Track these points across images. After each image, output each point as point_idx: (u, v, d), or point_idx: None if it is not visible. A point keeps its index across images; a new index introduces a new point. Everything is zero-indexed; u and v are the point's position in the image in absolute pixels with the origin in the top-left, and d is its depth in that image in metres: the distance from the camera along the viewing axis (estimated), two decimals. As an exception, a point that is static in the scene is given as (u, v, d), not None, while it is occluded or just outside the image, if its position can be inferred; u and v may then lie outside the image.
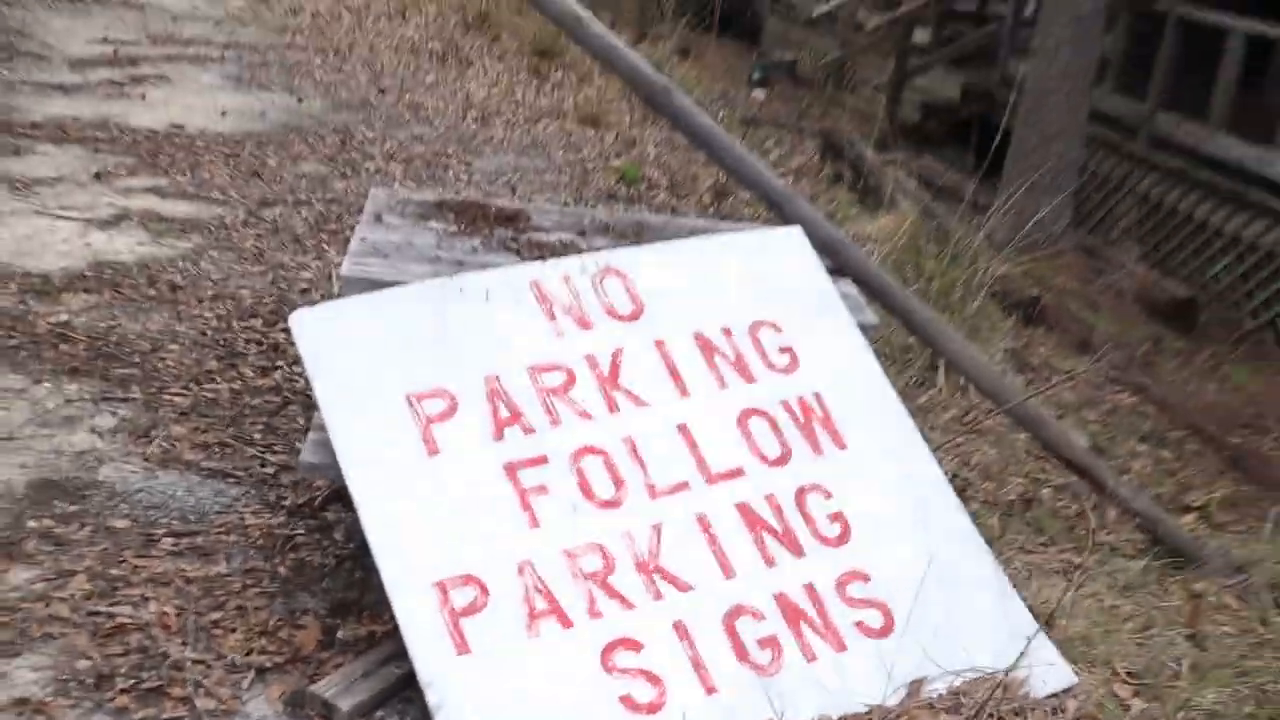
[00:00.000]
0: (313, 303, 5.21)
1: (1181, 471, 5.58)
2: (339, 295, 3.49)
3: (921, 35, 12.48)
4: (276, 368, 4.67)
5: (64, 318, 4.82)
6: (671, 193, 8.03)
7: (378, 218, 3.97)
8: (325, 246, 6.04)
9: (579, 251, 3.85)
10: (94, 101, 8.03)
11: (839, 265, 3.94)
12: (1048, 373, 6.24)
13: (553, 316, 3.37)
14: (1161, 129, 9.31)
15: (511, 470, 3.08)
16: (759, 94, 14.22)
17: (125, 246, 5.66)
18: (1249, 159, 8.54)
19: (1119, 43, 9.98)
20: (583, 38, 4.05)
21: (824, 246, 3.90)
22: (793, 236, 3.83)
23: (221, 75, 9.26)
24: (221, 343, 4.82)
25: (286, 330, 4.97)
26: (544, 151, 8.56)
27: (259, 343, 4.88)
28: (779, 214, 4.05)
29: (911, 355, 5.56)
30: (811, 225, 3.94)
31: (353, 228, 6.25)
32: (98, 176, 6.56)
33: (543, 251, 3.84)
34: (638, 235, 4.07)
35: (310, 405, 4.28)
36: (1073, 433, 4.66)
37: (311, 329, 3.18)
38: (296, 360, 4.62)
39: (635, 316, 3.45)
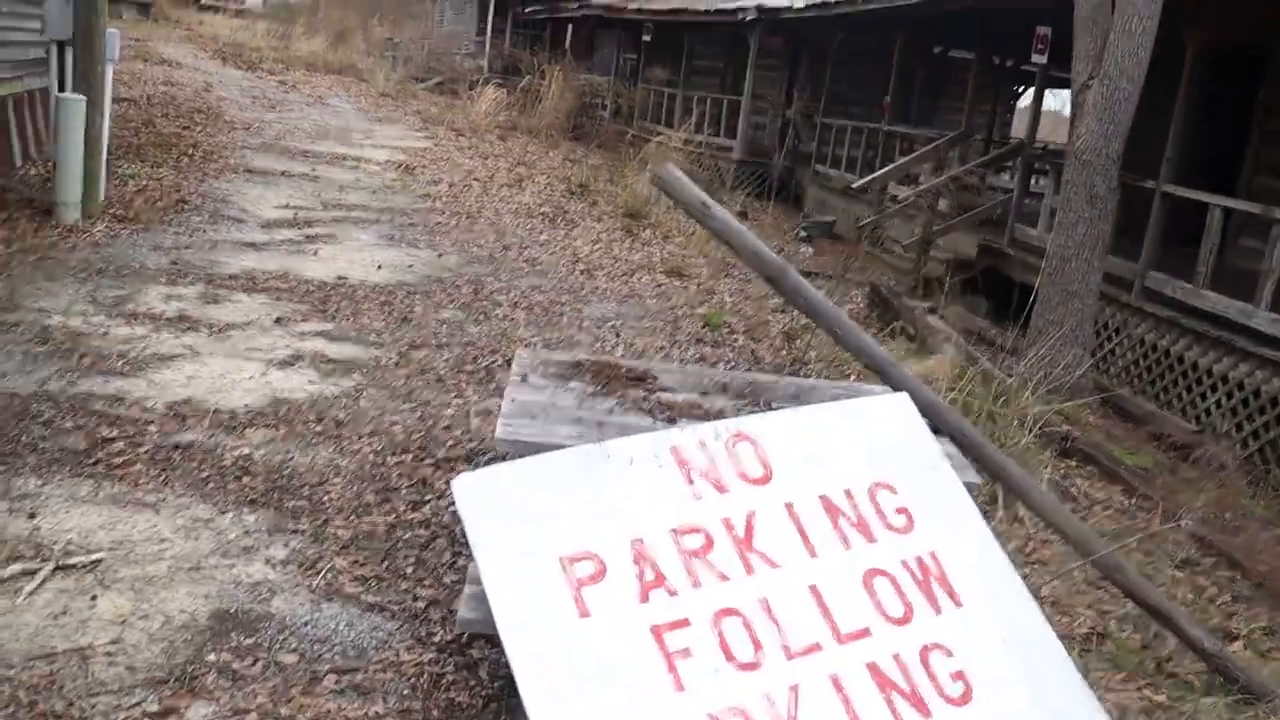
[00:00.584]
0: (455, 441, 4.79)
1: (1219, 598, 4.94)
2: (491, 456, 3.02)
3: (943, 203, 12.05)
4: (425, 502, 4.19)
5: (246, 451, 4.41)
6: (749, 336, 7.56)
7: (524, 378, 3.51)
8: (464, 386, 5.60)
9: (702, 410, 3.38)
10: (278, 256, 7.76)
11: (939, 426, 3.42)
12: (1087, 502, 5.63)
13: (691, 480, 2.88)
14: (1153, 284, 8.70)
15: (658, 633, 2.56)
16: (808, 250, 13.81)
17: (299, 384, 5.27)
18: (1232, 311, 7.91)
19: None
20: (707, 220, 3.61)
21: (925, 409, 3.39)
22: (901, 402, 3.33)
23: (377, 234, 8.99)
24: (378, 477, 4.37)
25: (434, 465, 4.54)
26: (640, 300, 8.14)
27: (409, 476, 4.42)
28: (884, 379, 3.54)
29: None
30: (914, 390, 3.43)
31: (486, 369, 5.87)
32: (278, 321, 6.22)
33: (672, 412, 3.37)
34: (753, 394, 3.59)
35: (456, 541, 3.80)
36: (1129, 569, 4.05)
37: (473, 493, 2.70)
38: (443, 495, 4.16)
39: (766, 480, 2.95)
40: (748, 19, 17.88)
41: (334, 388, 5.28)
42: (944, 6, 13.20)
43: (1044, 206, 10.77)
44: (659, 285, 8.81)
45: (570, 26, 26.79)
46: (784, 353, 7.29)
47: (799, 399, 3.55)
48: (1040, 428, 6.01)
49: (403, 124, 17.40)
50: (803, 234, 15.30)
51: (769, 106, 20.45)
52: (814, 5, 16.27)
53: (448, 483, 4.03)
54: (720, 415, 3.29)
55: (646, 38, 22.11)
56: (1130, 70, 6.60)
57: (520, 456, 2.85)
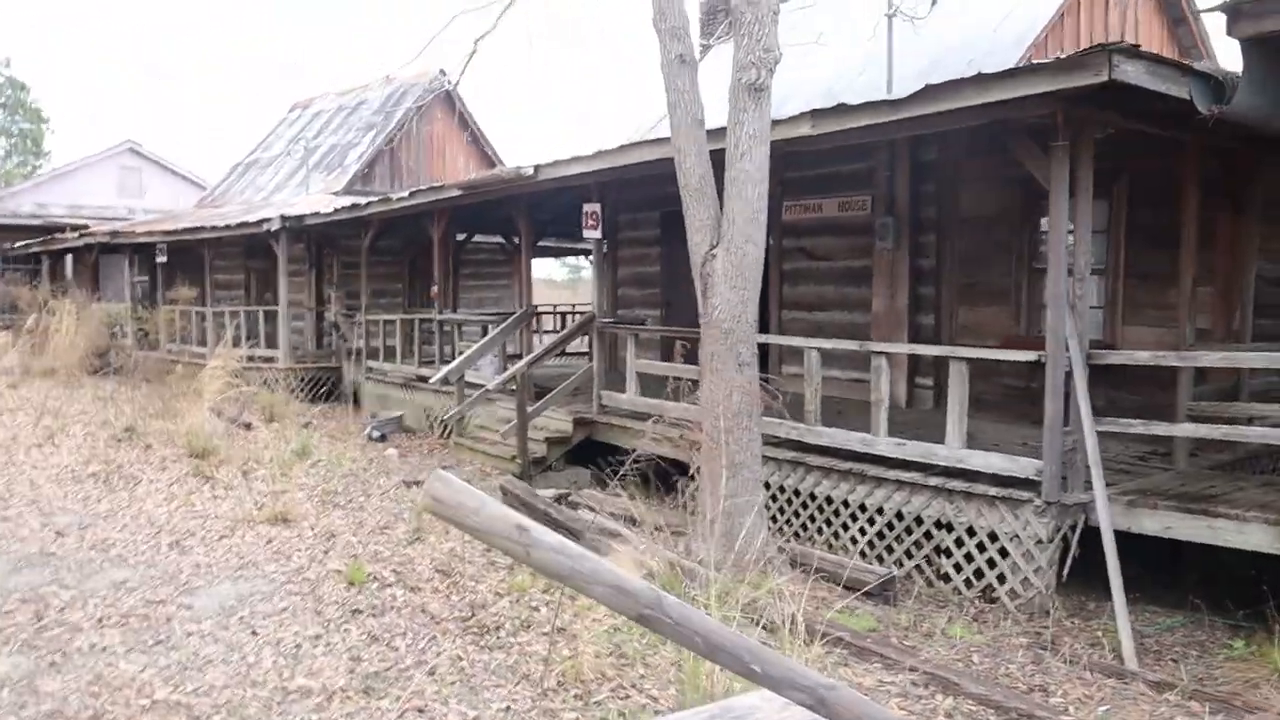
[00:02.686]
0: None
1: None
2: None
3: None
4: None
5: None
6: (405, 586, 6.10)
7: None
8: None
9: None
10: None
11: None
12: (883, 695, 4.93)
13: None
14: (768, 429, 8.57)
15: None
16: (390, 451, 12.39)
17: None
18: (854, 442, 7.92)
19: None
20: (531, 554, 2.38)
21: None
22: None
23: None
24: None
25: None
26: (258, 568, 6.37)
27: None
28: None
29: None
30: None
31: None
32: None
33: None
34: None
35: None
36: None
37: None
38: None
39: None
40: (272, 229, 16.35)
41: None
42: (465, 200, 12.77)
43: (629, 371, 10.47)
44: (269, 541, 7.04)
45: (71, 256, 23.33)
46: (454, 596, 5.93)
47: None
48: (759, 618, 5.26)
49: None
50: (375, 434, 13.86)
51: (306, 311, 18.85)
52: (343, 209, 15.23)
53: None
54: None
55: (162, 259, 19.58)
56: (753, 235, 6.33)
57: None
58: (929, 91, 6.45)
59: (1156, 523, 6.60)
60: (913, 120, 6.75)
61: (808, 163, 12.44)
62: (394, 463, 11.63)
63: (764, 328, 12.97)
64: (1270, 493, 6.82)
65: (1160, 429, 6.80)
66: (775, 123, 8.65)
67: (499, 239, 20.39)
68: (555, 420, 10.93)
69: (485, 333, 15.56)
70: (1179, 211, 8.02)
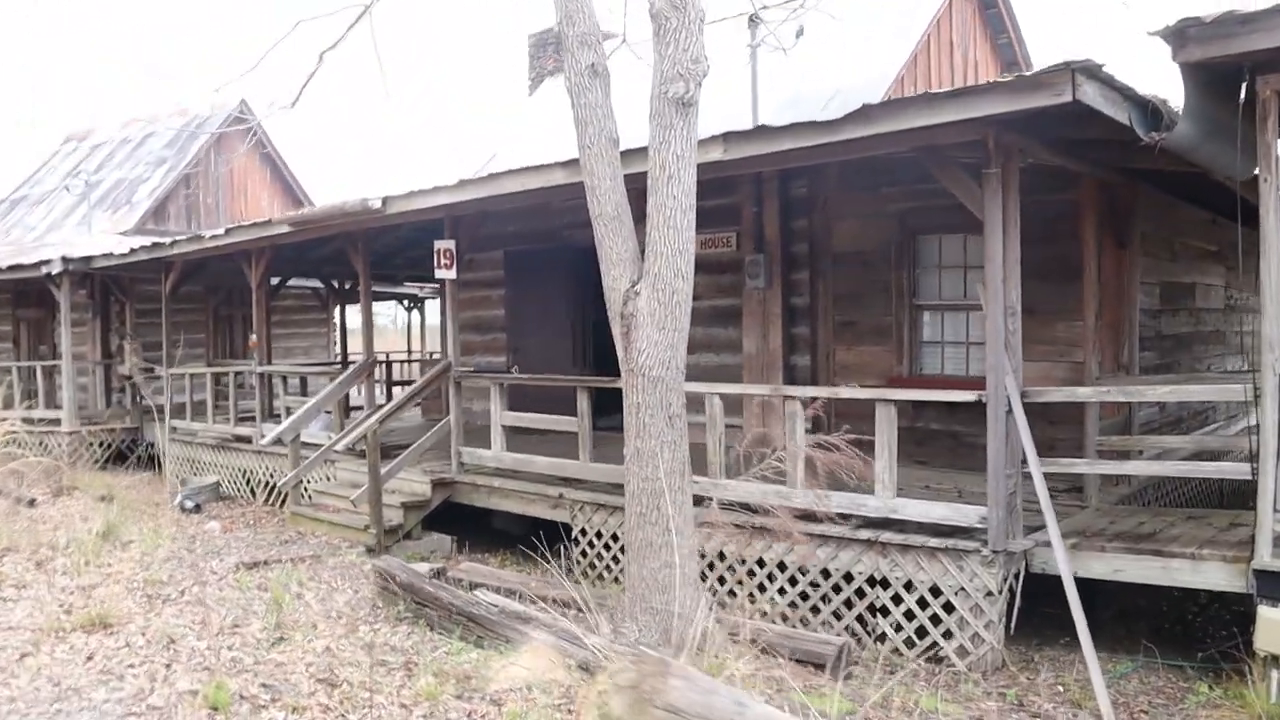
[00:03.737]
0: None
1: None
2: None
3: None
4: None
5: None
6: (282, 704, 4.85)
7: None
8: None
9: None
10: None
11: None
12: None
13: None
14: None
15: None
16: (211, 525, 10.70)
17: None
18: (768, 495, 7.34)
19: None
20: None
21: None
22: None
23: None
24: None
25: None
26: (82, 697, 4.93)
27: None
28: None
29: None
30: None
31: None
32: None
33: None
34: None
35: None
36: None
37: None
38: None
39: None
40: (53, 271, 14.20)
41: None
42: (292, 238, 11.36)
43: (494, 424, 9.41)
44: (90, 656, 5.57)
45: None
46: (351, 716, 4.75)
47: None
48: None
49: None
50: (188, 504, 12.08)
51: (92, 365, 16.51)
52: (143, 248, 13.36)
53: None
54: None
55: (-96, 308, 16.73)
56: (683, 268, 5.53)
57: None
58: (866, 112, 5.91)
59: (1105, 565, 6.24)
60: (843, 144, 6.19)
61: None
62: (219, 539, 9.99)
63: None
64: (1202, 527, 6.61)
65: (1106, 467, 6.47)
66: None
67: (311, 284, 18.76)
68: (410, 482, 9.69)
69: (304, 387, 14.09)
70: (1079, 245, 7.88)
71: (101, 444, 15.18)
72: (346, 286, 17.17)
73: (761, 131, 6.32)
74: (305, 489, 10.47)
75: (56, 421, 14.87)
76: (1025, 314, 9.09)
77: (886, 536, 6.77)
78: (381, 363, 14.69)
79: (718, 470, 7.60)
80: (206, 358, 17.26)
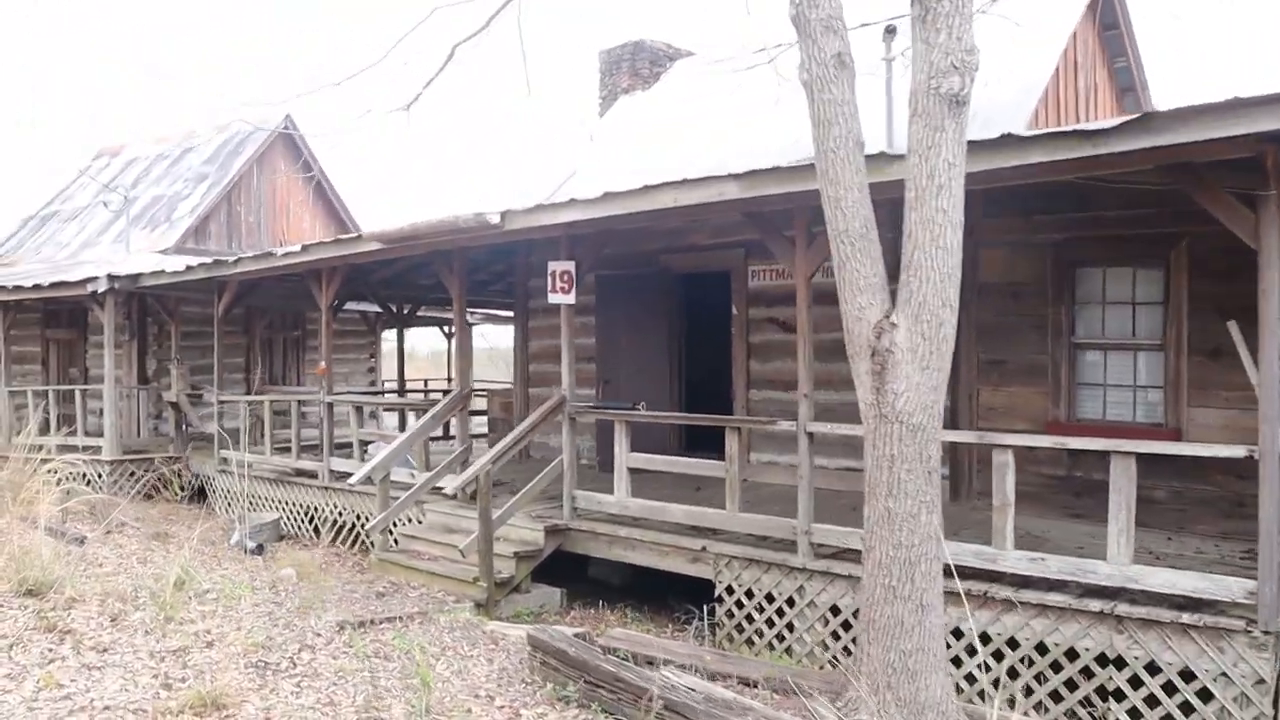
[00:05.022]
0: None
1: None
2: None
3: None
4: None
5: None
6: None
7: None
8: None
9: None
10: None
11: None
12: None
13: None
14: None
15: None
16: (289, 572, 9.71)
17: None
18: (966, 555, 6.39)
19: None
20: None
21: None
22: None
23: None
24: None
25: None
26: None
27: None
28: None
29: None
30: None
31: None
32: None
33: None
34: None
35: None
36: None
37: None
38: None
39: None
40: (99, 290, 13.28)
41: None
42: (377, 256, 10.47)
43: (618, 467, 8.47)
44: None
45: None
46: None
47: None
48: None
49: None
50: (249, 544, 11.10)
51: (126, 390, 15.54)
52: (201, 265, 12.45)
53: None
54: None
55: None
56: (950, 297, 4.66)
57: None
58: (1148, 121, 5.06)
59: None
60: (1103, 159, 5.34)
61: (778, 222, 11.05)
62: (303, 589, 9.01)
63: (727, 407, 11.34)
64: None
65: None
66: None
67: (360, 308, 17.85)
68: (519, 529, 8.75)
69: (360, 416, 13.12)
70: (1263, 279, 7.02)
71: (144, 474, 14.19)
72: (405, 310, 16.25)
73: (1006, 141, 5.47)
74: (392, 533, 9.50)
75: (96, 449, 13.88)
76: (1206, 356, 8.30)
77: (1123, 609, 5.84)
78: (479, 393, 13.73)
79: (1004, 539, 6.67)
80: (247, 384, 16.32)
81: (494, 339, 29.54)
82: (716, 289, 11.67)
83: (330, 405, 11.62)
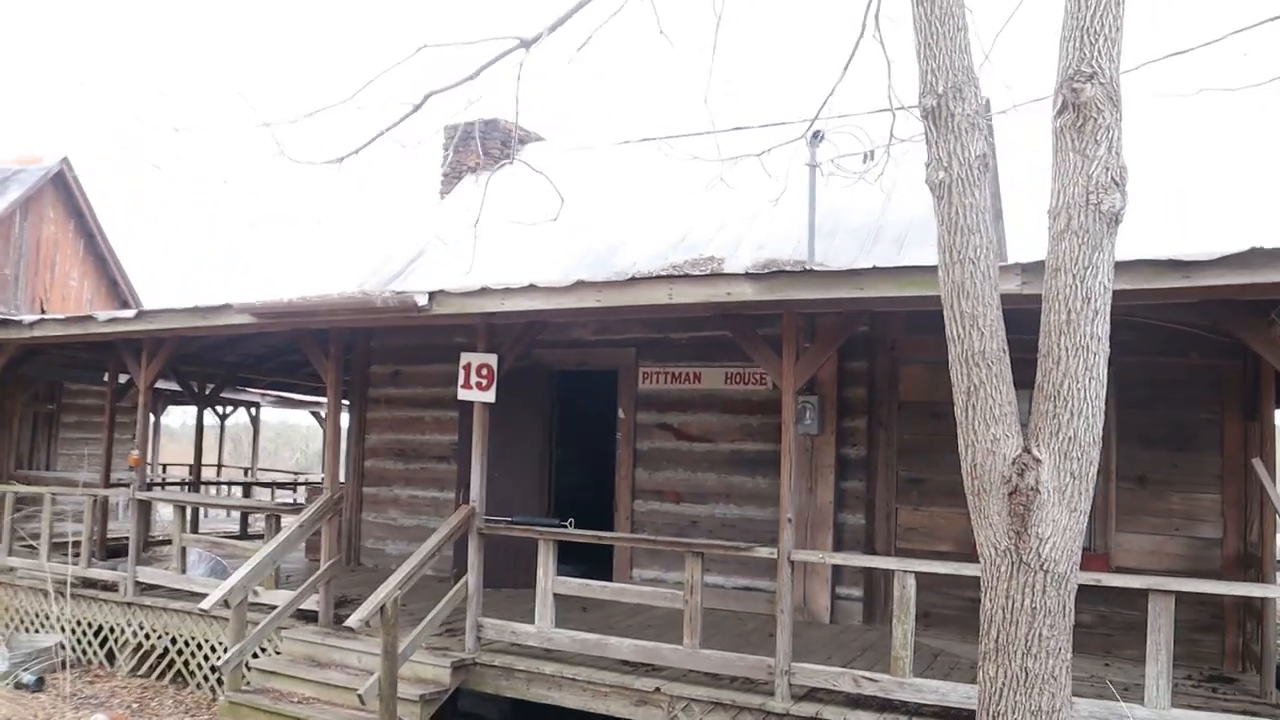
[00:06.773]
0: None
1: None
2: None
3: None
4: None
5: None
6: None
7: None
8: None
9: None
10: None
11: None
12: None
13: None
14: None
15: None
16: (99, 716, 7.58)
17: None
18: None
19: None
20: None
21: None
22: None
23: None
24: None
25: None
26: None
27: None
28: None
29: None
30: None
31: None
32: None
33: None
34: None
35: None
36: None
37: None
38: None
39: None
40: None
41: None
42: (247, 330, 8.75)
43: (541, 593, 7.28)
44: None
45: None
46: None
47: None
48: None
49: None
50: (26, 678, 8.80)
51: None
52: (-22, 326, 10.02)
53: None
54: None
55: None
56: (1099, 431, 4.19)
57: None
58: (1247, 259, 4.87)
59: None
60: (1183, 290, 5.11)
61: (672, 324, 10.38)
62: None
63: (606, 521, 10.34)
64: None
65: None
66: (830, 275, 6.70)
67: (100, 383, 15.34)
68: (421, 665, 7.29)
69: (185, 515, 11.00)
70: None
71: None
72: (207, 390, 14.01)
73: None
74: (248, 667, 7.69)
75: None
76: (1134, 483, 8.39)
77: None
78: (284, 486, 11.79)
79: (904, 668, 6.04)
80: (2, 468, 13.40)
81: (271, 418, 26.77)
82: (602, 389, 10.79)
83: (144, 503, 9.53)
